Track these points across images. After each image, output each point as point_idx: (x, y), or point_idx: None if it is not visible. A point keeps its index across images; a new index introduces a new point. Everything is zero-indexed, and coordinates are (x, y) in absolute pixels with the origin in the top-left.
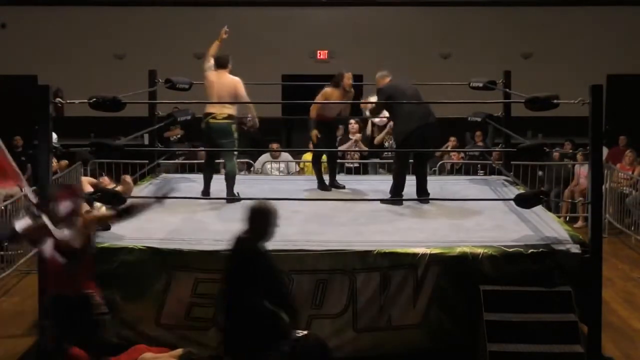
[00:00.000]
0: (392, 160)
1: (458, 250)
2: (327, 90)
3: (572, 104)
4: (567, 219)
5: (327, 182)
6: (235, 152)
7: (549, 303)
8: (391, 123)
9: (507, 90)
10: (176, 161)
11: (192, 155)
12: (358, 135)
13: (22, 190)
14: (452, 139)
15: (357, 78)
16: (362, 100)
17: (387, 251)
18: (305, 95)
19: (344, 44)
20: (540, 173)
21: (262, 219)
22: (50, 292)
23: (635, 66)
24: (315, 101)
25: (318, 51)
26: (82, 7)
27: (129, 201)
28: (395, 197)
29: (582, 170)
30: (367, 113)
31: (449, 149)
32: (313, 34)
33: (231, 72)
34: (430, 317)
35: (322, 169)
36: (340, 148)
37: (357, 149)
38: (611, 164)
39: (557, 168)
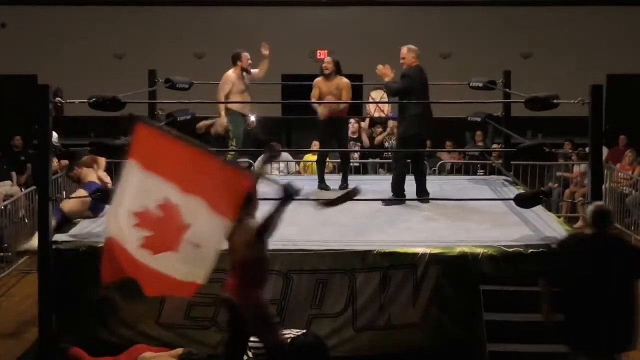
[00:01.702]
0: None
1: (458, 250)
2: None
3: (572, 104)
4: (567, 219)
5: (340, 184)
6: (234, 148)
7: None
8: (391, 123)
9: (507, 90)
10: None
11: None
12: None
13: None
14: (449, 143)
15: (357, 78)
16: (362, 100)
17: (387, 251)
18: (305, 95)
19: (344, 44)
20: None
21: (609, 217)
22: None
23: (635, 66)
24: (311, 98)
25: (318, 51)
26: (82, 7)
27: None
28: (396, 197)
29: (580, 170)
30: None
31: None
32: (313, 34)
33: (243, 70)
34: (430, 317)
35: (325, 169)
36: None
37: (358, 143)
38: (611, 164)
39: (557, 169)
